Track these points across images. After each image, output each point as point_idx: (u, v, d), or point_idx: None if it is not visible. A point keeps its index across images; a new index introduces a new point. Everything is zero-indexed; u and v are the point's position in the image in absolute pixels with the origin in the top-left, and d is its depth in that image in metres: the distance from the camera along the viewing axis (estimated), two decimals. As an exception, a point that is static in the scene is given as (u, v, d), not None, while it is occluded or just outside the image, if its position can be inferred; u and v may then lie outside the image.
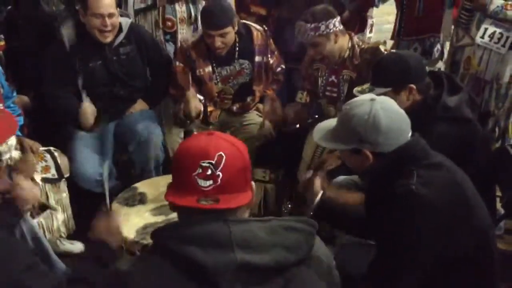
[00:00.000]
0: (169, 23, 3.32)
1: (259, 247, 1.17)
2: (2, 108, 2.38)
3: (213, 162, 1.21)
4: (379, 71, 2.23)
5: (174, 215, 2.23)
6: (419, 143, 1.71)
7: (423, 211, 1.61)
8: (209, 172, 1.21)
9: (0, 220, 1.70)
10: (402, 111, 1.71)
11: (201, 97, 3.02)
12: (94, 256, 1.58)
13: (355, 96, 2.16)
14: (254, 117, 3.15)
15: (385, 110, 1.66)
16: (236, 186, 1.24)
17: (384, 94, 2.01)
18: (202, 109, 2.98)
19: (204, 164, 1.21)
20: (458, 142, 2.07)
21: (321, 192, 2.06)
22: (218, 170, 1.21)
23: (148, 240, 2.10)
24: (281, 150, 2.94)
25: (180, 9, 3.31)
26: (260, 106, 3.18)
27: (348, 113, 1.71)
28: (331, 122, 1.81)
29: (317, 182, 2.09)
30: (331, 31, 2.66)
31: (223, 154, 1.22)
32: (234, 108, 3.15)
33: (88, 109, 2.86)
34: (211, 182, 1.21)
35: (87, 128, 2.85)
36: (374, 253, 1.75)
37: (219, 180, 1.21)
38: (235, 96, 3.12)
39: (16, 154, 2.52)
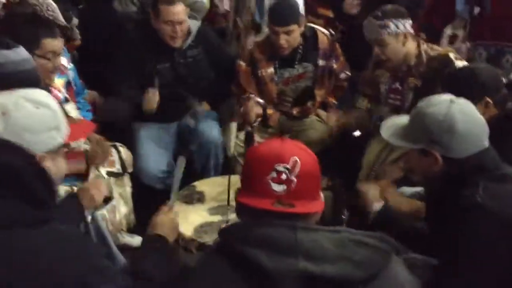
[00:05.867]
0: None
1: (324, 258, 1.13)
2: (82, 118, 2.57)
3: (289, 166, 1.19)
4: (451, 86, 2.05)
5: (230, 216, 2.25)
6: (491, 153, 1.64)
7: (489, 225, 1.53)
8: (284, 176, 1.19)
9: (67, 214, 1.74)
10: (482, 118, 1.63)
11: (261, 101, 3.04)
12: (150, 249, 1.59)
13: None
14: (314, 122, 3.13)
15: (464, 114, 1.59)
16: (308, 193, 1.22)
17: None
18: (261, 113, 3.00)
19: (279, 168, 1.19)
20: None
21: (379, 203, 1.98)
22: (293, 175, 1.19)
23: (205, 239, 2.14)
24: (341, 157, 2.91)
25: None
26: (321, 112, 3.16)
27: (422, 111, 1.64)
28: (403, 119, 1.73)
29: (373, 190, 2.03)
30: (400, 31, 2.56)
31: (297, 159, 1.20)
32: (294, 112, 3.15)
33: (153, 96, 2.87)
34: (284, 187, 1.19)
35: (148, 112, 2.88)
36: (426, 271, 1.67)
37: (292, 186, 1.19)
38: (296, 100, 3.12)
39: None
